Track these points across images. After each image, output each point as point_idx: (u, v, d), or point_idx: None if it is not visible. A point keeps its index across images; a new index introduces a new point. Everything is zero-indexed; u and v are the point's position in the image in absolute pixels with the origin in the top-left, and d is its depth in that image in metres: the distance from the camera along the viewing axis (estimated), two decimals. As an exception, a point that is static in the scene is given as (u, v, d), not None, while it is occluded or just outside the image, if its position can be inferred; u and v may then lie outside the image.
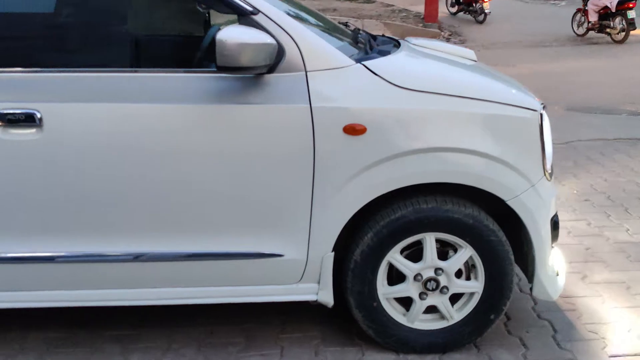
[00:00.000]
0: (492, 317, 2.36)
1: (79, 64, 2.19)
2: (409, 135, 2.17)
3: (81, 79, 2.13)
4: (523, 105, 2.24)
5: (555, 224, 2.37)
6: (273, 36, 2.07)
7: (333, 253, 2.26)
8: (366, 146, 2.15)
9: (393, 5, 15.96)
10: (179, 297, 2.32)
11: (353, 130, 2.14)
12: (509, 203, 2.24)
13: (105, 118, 2.11)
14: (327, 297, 2.31)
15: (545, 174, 2.30)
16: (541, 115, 2.27)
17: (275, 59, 2.09)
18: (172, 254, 2.23)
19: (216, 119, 2.13)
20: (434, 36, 12.24)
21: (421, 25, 13.57)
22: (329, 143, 2.14)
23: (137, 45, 2.26)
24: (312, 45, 2.15)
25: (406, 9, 15.50)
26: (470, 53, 2.75)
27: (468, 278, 2.36)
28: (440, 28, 13.78)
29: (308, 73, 2.14)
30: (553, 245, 2.41)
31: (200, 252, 2.23)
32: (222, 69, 1.97)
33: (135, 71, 2.17)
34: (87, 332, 2.58)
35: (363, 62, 2.20)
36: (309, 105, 2.12)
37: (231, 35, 1.93)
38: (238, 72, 2.02)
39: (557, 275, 2.43)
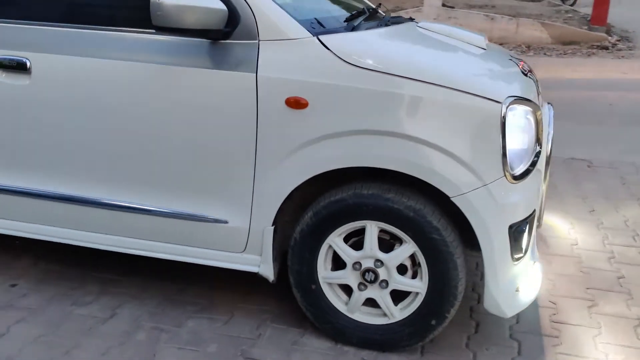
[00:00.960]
0: (433, 322, 2.18)
1: (64, 19, 2.38)
2: (350, 114, 2.07)
3: (65, 34, 2.33)
4: (484, 95, 2.02)
5: (517, 233, 2.11)
6: (225, 2, 2.08)
7: (273, 227, 2.24)
8: (307, 121, 2.10)
9: (560, 5, 14.82)
10: (133, 247, 2.45)
11: (295, 103, 2.10)
12: (454, 200, 2.05)
13: (80, 70, 2.29)
14: (267, 271, 2.31)
15: (505, 175, 2.05)
16: (507, 108, 2.02)
17: (230, 25, 2.11)
18: (125, 206, 2.36)
19: (168, 80, 2.21)
20: (598, 40, 11.23)
21: (585, 27, 12.45)
22: (271, 114, 2.12)
23: (115, 5, 2.40)
24: (269, 14, 2.14)
25: (575, 10, 14.32)
26: (479, 39, 2.54)
27: (415, 277, 2.20)
28: (608, 32, 12.53)
29: (261, 42, 2.14)
30: (518, 256, 2.16)
31: (150, 207, 2.34)
32: (159, 29, 2.03)
33: (106, 29, 2.31)
34: (78, 270, 2.83)
35: (320, 36, 2.14)
36: (255, 74, 2.12)
37: None
38: (179, 34, 2.08)
39: (517, 291, 2.17)
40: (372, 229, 2.16)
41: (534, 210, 2.25)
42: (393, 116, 2.04)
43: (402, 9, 13.67)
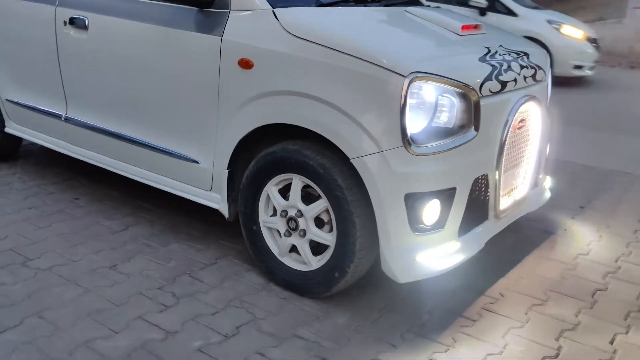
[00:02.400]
0: (336, 275, 2.38)
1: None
2: (282, 76, 2.37)
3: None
4: (390, 68, 2.16)
5: (416, 204, 2.22)
6: None
7: (227, 170, 2.63)
8: (252, 80, 2.45)
9: None
10: (134, 174, 3.04)
11: (245, 64, 2.46)
12: (353, 162, 2.23)
13: (119, 29, 2.91)
14: (224, 209, 2.70)
15: (405, 146, 2.18)
16: (410, 82, 2.14)
17: None
18: (133, 139, 2.94)
19: (164, 39, 2.72)
20: None
21: None
22: (228, 72, 2.52)
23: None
24: None
25: None
26: (456, 26, 2.63)
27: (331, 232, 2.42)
28: None
29: (231, 11, 2.54)
30: (421, 228, 2.26)
31: (148, 142, 2.89)
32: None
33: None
34: (126, 196, 3.50)
35: (276, 9, 2.46)
36: (220, 38, 2.52)
37: None
38: (179, 2, 2.57)
39: (415, 260, 2.27)
40: (296, 182, 2.42)
41: (454, 188, 2.30)
42: (311, 80, 2.29)
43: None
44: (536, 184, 3.06)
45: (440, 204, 2.29)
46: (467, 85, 2.27)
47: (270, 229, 2.59)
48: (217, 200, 2.72)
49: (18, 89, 3.61)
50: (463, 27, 2.63)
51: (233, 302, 2.46)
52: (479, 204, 2.52)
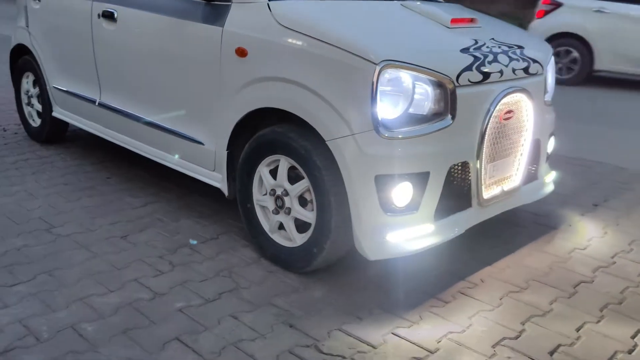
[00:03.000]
0: (315, 250, 2.54)
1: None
2: (271, 63, 2.56)
3: None
4: (362, 55, 2.30)
5: (387, 185, 2.34)
6: None
7: (227, 152, 2.84)
8: (246, 67, 2.65)
9: None
10: (150, 153, 3.30)
11: (241, 52, 2.67)
12: (328, 144, 2.39)
13: (140, 20, 3.20)
14: (224, 188, 2.92)
15: (376, 130, 2.31)
16: (380, 69, 2.27)
17: None
18: (150, 122, 3.22)
19: (176, 29, 2.97)
20: None
21: None
22: (227, 60, 2.73)
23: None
24: None
25: None
26: (446, 18, 2.72)
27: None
28: None
29: (232, 4, 2.75)
30: (392, 208, 2.38)
31: (164, 125, 3.15)
32: None
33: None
34: (151, 176, 3.80)
35: (270, 1, 2.65)
36: (222, 28, 2.74)
37: None
38: None
39: (386, 240, 2.39)
40: (283, 162, 2.60)
41: (427, 173, 2.40)
42: (296, 67, 2.46)
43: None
44: (535, 177, 3.09)
45: (412, 187, 2.39)
46: (442, 74, 2.38)
47: (262, 207, 2.77)
48: (219, 180, 2.93)
49: (63, 77, 3.98)
50: (452, 20, 2.72)
51: (222, 272, 2.66)
52: (459, 190, 2.61)
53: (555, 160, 3.54)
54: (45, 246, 2.84)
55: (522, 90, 2.72)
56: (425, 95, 2.37)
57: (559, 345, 2.22)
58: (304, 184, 2.53)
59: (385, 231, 2.39)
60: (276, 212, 2.69)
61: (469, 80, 2.48)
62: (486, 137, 2.58)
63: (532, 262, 2.88)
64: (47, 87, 4.15)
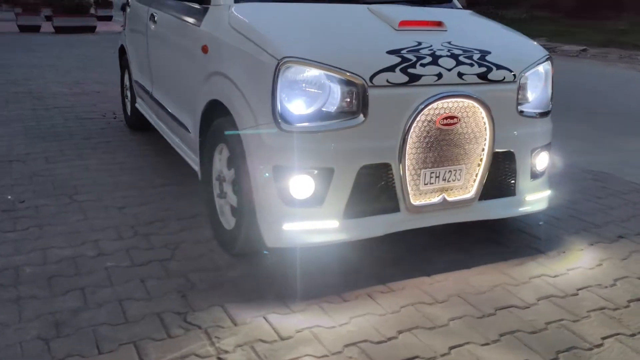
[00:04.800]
0: (236, 234, 2.72)
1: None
2: (219, 60, 2.81)
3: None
4: (268, 51, 2.43)
5: (285, 176, 2.42)
6: None
7: (200, 139, 3.14)
8: (207, 62, 2.94)
9: None
10: (172, 141, 3.73)
11: (204, 49, 2.97)
12: (240, 133, 2.56)
13: (164, 21, 3.67)
14: (198, 171, 3.23)
15: (277, 123, 2.42)
16: (280, 65, 2.38)
17: None
18: (168, 112, 3.67)
19: (178, 28, 3.36)
20: None
21: None
22: (198, 55, 3.05)
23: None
24: None
25: None
26: (395, 21, 2.72)
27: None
28: None
29: (210, 6, 3.06)
30: (292, 200, 2.45)
31: (175, 115, 3.57)
32: None
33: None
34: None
35: (237, 3, 2.90)
36: (199, 28, 3.07)
37: None
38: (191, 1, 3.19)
39: (284, 229, 2.47)
40: (224, 150, 2.82)
41: (330, 169, 2.44)
42: (230, 63, 2.69)
43: None
44: (511, 193, 2.89)
45: (313, 181, 2.45)
46: (351, 73, 2.40)
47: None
48: (196, 164, 3.24)
49: (138, 72, 4.62)
50: (401, 23, 2.70)
51: (170, 245, 2.95)
52: (384, 193, 2.58)
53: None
54: (56, 207, 3.40)
55: (468, 96, 2.59)
56: (330, 92, 2.42)
57: (415, 357, 2.13)
58: (233, 171, 2.72)
59: (283, 221, 2.48)
60: (219, 196, 2.90)
61: (387, 81, 2.46)
62: (410, 141, 2.52)
63: (477, 281, 2.71)
64: (132, 81, 4.84)
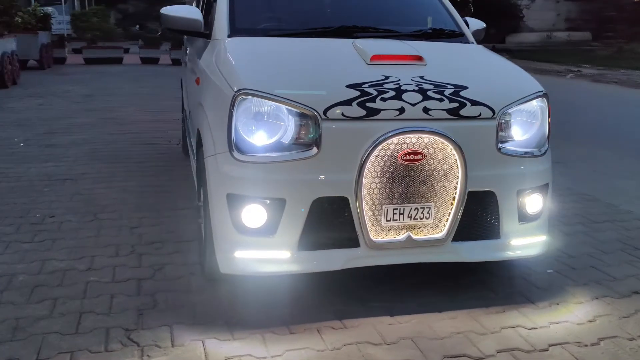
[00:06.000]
0: (201, 255, 2.81)
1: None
2: (201, 90, 2.97)
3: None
4: (229, 83, 2.53)
5: (237, 204, 2.48)
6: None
7: (196, 165, 3.29)
8: (198, 93, 3.11)
9: None
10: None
11: (197, 81, 3.16)
12: (204, 160, 2.66)
13: (190, 53, 3.92)
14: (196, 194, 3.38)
15: (230, 152, 2.49)
16: (235, 97, 2.45)
17: (207, 29, 3.30)
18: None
19: (193, 62, 3.57)
20: None
21: None
22: (194, 86, 3.23)
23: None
24: (218, 23, 3.17)
25: None
26: (368, 55, 2.72)
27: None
28: None
29: (210, 41, 3.23)
30: (242, 229, 2.49)
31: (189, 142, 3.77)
32: (168, 30, 3.42)
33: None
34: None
35: (230, 37, 3.03)
36: (199, 61, 3.26)
37: (167, 10, 3.34)
38: (177, 33, 3.40)
39: (235, 256, 2.51)
40: (204, 177, 2.94)
41: (282, 199, 2.46)
42: (205, 94, 2.82)
43: None
44: (494, 236, 2.74)
45: (265, 211, 2.47)
46: (304, 106, 2.43)
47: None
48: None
49: (185, 102, 4.92)
50: (373, 57, 2.68)
51: (157, 265, 3.09)
52: (343, 227, 2.55)
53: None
54: (78, 223, 3.69)
55: (434, 132, 2.51)
56: (285, 125, 2.45)
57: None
58: (209, 197, 2.82)
59: (235, 248, 2.52)
60: (202, 221, 3.01)
61: (343, 115, 2.45)
62: (368, 175, 2.47)
63: (441, 326, 2.57)
64: (183, 110, 5.15)
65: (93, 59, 16.72)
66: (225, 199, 2.51)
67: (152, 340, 2.39)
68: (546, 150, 2.81)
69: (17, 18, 11.20)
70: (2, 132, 6.66)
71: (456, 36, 3.40)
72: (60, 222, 3.71)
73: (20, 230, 3.55)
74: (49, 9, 18.60)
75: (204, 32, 3.26)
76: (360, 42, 2.88)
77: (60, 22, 20.52)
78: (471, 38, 3.43)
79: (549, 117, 2.82)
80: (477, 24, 3.67)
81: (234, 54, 2.81)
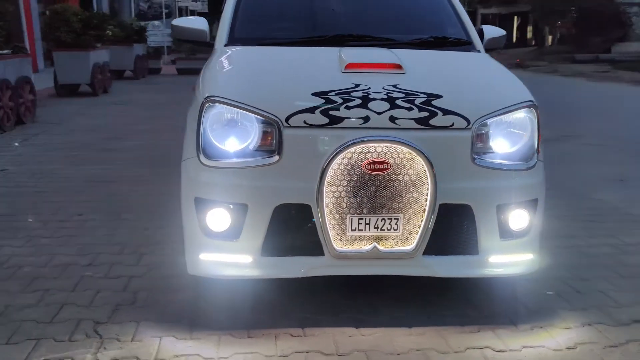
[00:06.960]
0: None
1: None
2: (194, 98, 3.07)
3: None
4: (203, 93, 2.61)
5: (204, 208, 2.54)
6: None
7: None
8: (193, 99, 3.22)
9: None
10: None
11: (193, 89, 3.25)
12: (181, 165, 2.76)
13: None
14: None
15: (198, 157, 2.56)
16: (204, 103, 2.53)
17: (212, 39, 3.44)
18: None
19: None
20: None
21: None
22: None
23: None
24: (220, 33, 3.30)
25: None
26: (343, 64, 2.72)
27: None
28: None
29: (215, 49, 3.35)
30: (209, 232, 2.54)
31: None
32: (178, 40, 3.58)
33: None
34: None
35: (227, 46, 3.15)
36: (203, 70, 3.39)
37: (177, 21, 3.50)
38: (186, 42, 3.55)
39: (202, 259, 2.58)
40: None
41: (244, 205, 2.51)
42: (191, 101, 2.91)
43: None
44: (472, 252, 2.63)
45: (229, 215, 2.53)
46: (267, 113, 2.46)
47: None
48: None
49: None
50: (347, 65, 2.67)
51: (152, 265, 3.23)
52: (307, 234, 2.55)
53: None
54: (100, 222, 3.94)
55: (399, 142, 2.46)
56: (250, 132, 2.50)
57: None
58: (193, 200, 2.92)
59: (200, 251, 2.59)
60: (193, 223, 3.11)
61: (305, 122, 2.46)
62: (331, 183, 2.45)
63: (403, 341, 2.50)
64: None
65: (185, 69, 17.58)
66: (193, 202, 2.58)
67: (115, 334, 2.50)
68: (534, 164, 2.66)
69: (107, 32, 12.03)
70: (70, 136, 7.19)
71: (462, 44, 3.30)
72: (84, 220, 3.96)
73: (47, 226, 3.82)
74: (156, 22, 19.83)
75: (210, 42, 3.38)
76: (345, 51, 2.88)
77: (165, 34, 21.83)
78: (479, 46, 3.32)
79: (538, 128, 2.67)
80: (494, 31, 3.55)
81: (218, 62, 2.90)
